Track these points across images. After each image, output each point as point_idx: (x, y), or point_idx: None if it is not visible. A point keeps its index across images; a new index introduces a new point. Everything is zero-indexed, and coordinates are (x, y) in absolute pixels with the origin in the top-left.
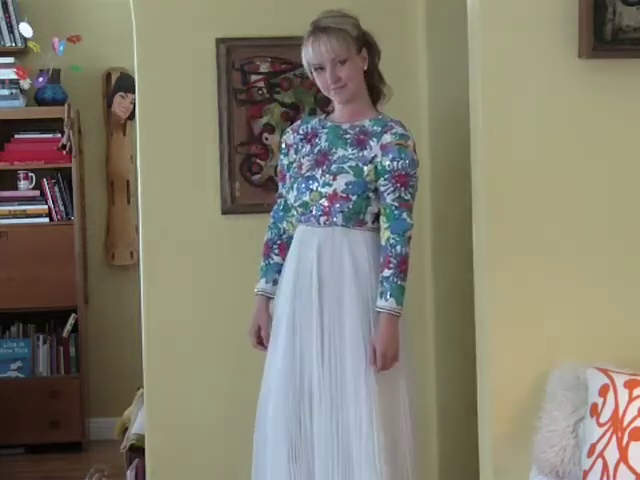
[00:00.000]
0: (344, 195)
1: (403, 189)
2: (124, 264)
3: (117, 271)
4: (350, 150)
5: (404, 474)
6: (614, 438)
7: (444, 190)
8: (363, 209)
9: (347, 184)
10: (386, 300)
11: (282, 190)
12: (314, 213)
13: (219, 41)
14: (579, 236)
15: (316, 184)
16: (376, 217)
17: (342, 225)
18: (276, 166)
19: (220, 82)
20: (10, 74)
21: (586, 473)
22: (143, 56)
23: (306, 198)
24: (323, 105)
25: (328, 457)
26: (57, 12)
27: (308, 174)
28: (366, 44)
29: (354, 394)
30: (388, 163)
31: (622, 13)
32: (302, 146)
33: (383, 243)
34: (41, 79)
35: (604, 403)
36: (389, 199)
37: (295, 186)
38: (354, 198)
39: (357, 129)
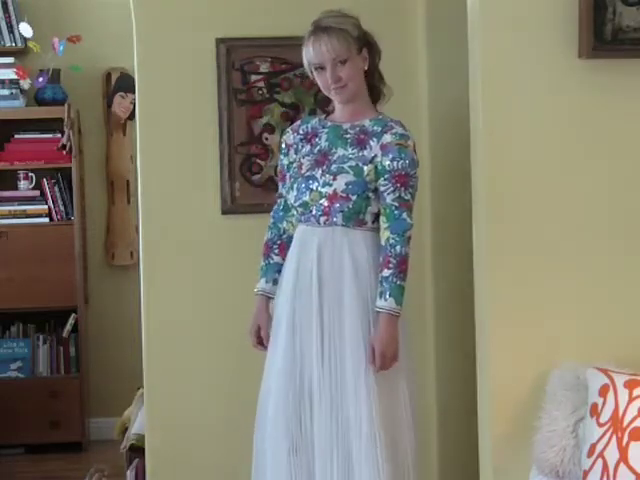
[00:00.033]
0: (344, 195)
1: (403, 189)
2: (124, 264)
3: (117, 271)
4: (350, 150)
5: (405, 474)
6: (614, 438)
7: (444, 190)
8: (363, 209)
9: (347, 184)
10: (385, 300)
11: (282, 190)
12: (314, 213)
13: (219, 41)
14: (579, 236)
15: (316, 184)
16: (376, 217)
17: (342, 225)
18: (276, 166)
19: (220, 82)
20: (10, 74)
21: (586, 473)
22: (143, 56)
23: (306, 198)
24: (323, 105)
25: (328, 456)
26: (57, 12)
27: (308, 174)
28: (367, 44)
29: (354, 394)
30: (388, 163)
31: (622, 13)
32: (302, 146)
33: (383, 243)
34: (41, 79)
35: (604, 403)
36: (389, 199)
37: (295, 186)
38: (354, 198)
39: (357, 129)
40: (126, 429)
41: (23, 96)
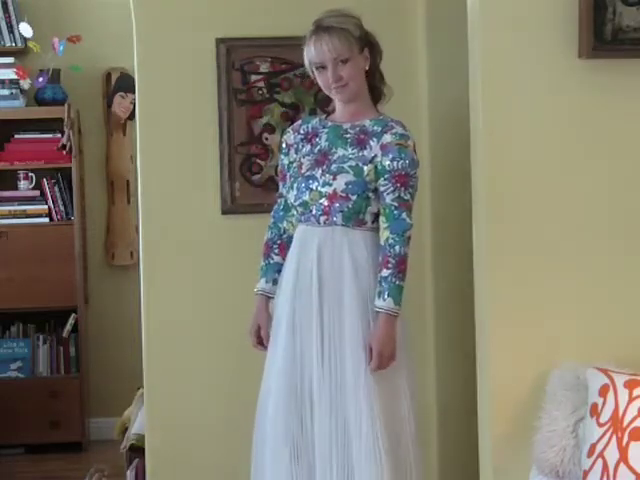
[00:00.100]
0: (344, 195)
1: (403, 189)
2: (124, 264)
3: (117, 271)
4: (350, 150)
5: (407, 474)
6: (614, 438)
7: (444, 190)
8: (363, 209)
9: (347, 184)
10: (384, 300)
11: (282, 190)
12: (314, 213)
13: (219, 41)
14: (579, 236)
15: (316, 184)
16: (376, 217)
17: (342, 225)
18: (276, 166)
19: (220, 82)
20: (10, 74)
21: (586, 473)
22: (143, 56)
23: (306, 197)
24: (323, 105)
25: (328, 457)
26: (57, 12)
27: (308, 174)
28: (368, 44)
29: (354, 394)
30: (388, 163)
31: (622, 13)
32: (302, 146)
33: (382, 243)
34: (41, 79)
35: (604, 403)
36: (389, 199)
37: (295, 186)
38: (354, 198)
39: (357, 129)
40: (126, 429)
41: (23, 96)
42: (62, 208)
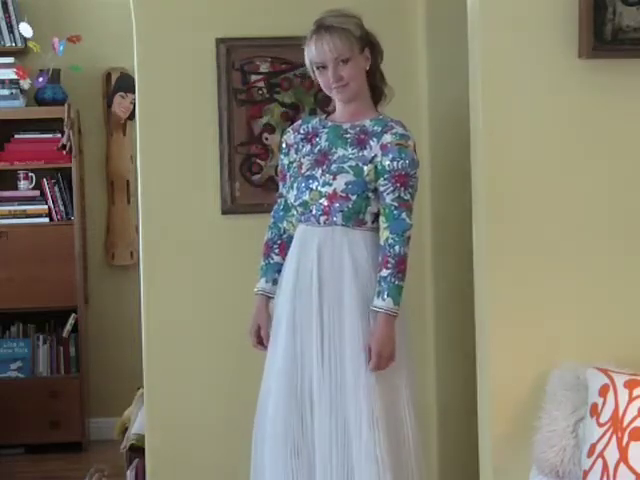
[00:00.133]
0: (344, 195)
1: (403, 189)
2: (124, 264)
3: (117, 271)
4: (350, 150)
5: (409, 474)
6: (614, 438)
7: (444, 190)
8: (363, 209)
9: (347, 184)
10: (383, 300)
11: (282, 190)
12: (314, 212)
13: (219, 41)
14: (579, 236)
15: (316, 183)
16: (376, 217)
17: (342, 225)
18: (276, 166)
19: (220, 82)
20: (10, 74)
21: (586, 473)
22: (143, 56)
23: (306, 197)
24: (323, 105)
25: (328, 456)
26: (57, 12)
27: (308, 173)
28: (369, 44)
29: (354, 394)
30: (388, 163)
31: (622, 13)
32: (302, 146)
33: (382, 243)
34: (41, 79)
35: (604, 403)
36: (389, 199)
37: (295, 185)
38: (354, 198)
39: (357, 129)
40: (126, 429)
41: (23, 96)
42: (62, 208)
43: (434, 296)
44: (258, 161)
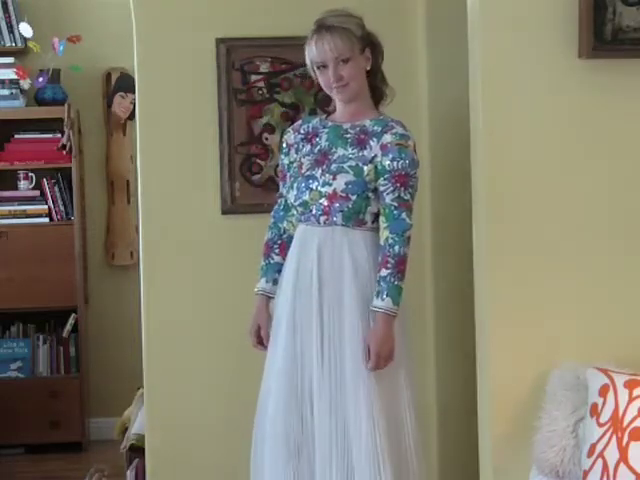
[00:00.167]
0: (344, 195)
1: (403, 189)
2: (124, 264)
3: (117, 271)
4: (350, 150)
5: (409, 474)
6: (614, 438)
7: (444, 190)
8: (363, 209)
9: (347, 184)
10: (382, 300)
11: (283, 190)
12: (314, 212)
13: (219, 41)
14: (579, 236)
15: (316, 183)
16: (376, 217)
17: (342, 225)
18: (276, 166)
19: (220, 82)
20: (10, 74)
21: (586, 473)
22: (143, 56)
23: (306, 197)
24: (323, 105)
25: (328, 456)
26: (57, 12)
27: (308, 173)
28: (370, 44)
29: (353, 393)
30: (388, 163)
31: (622, 13)
32: (303, 146)
33: (382, 243)
34: (41, 79)
35: (604, 403)
36: (388, 199)
37: (295, 185)
38: (354, 198)
39: (358, 129)
40: (126, 429)
41: (23, 96)
42: (62, 208)
43: (434, 296)
44: (258, 161)
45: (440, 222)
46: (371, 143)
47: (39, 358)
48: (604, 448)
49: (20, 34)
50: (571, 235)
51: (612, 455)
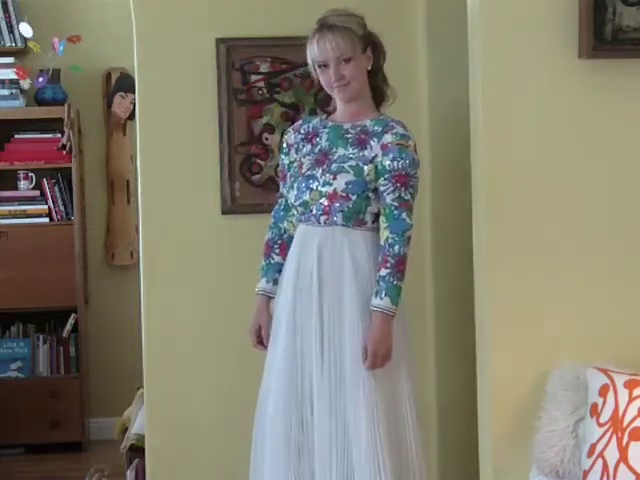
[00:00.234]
0: (344, 194)
1: (403, 189)
2: (124, 264)
3: (117, 271)
4: (350, 150)
5: (409, 474)
6: (614, 438)
7: (444, 190)
8: (363, 209)
9: (347, 183)
10: (381, 299)
11: (283, 190)
12: (314, 212)
13: (219, 41)
14: (579, 236)
15: (316, 183)
16: (376, 217)
17: (342, 224)
18: (276, 166)
19: (220, 82)
20: (10, 74)
21: (586, 473)
22: (143, 56)
23: (306, 197)
24: (323, 105)
25: (328, 456)
26: (57, 12)
27: (308, 173)
28: (371, 44)
29: (353, 394)
30: (388, 163)
31: (622, 13)
32: (303, 145)
33: (382, 243)
34: (41, 79)
35: (604, 403)
36: (389, 199)
37: (295, 185)
38: (354, 198)
39: (358, 129)
40: (126, 429)
41: (23, 96)
42: (62, 208)
43: (434, 296)
44: (258, 161)
45: (440, 222)
46: (371, 143)
47: (39, 358)
48: (604, 448)
49: (20, 34)
50: (571, 235)
51: (612, 455)
